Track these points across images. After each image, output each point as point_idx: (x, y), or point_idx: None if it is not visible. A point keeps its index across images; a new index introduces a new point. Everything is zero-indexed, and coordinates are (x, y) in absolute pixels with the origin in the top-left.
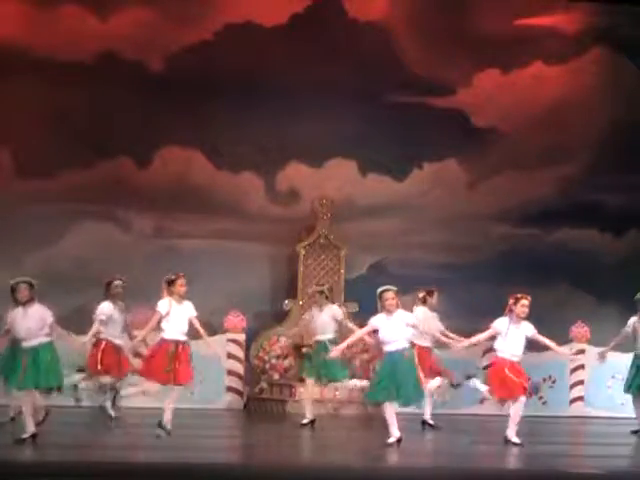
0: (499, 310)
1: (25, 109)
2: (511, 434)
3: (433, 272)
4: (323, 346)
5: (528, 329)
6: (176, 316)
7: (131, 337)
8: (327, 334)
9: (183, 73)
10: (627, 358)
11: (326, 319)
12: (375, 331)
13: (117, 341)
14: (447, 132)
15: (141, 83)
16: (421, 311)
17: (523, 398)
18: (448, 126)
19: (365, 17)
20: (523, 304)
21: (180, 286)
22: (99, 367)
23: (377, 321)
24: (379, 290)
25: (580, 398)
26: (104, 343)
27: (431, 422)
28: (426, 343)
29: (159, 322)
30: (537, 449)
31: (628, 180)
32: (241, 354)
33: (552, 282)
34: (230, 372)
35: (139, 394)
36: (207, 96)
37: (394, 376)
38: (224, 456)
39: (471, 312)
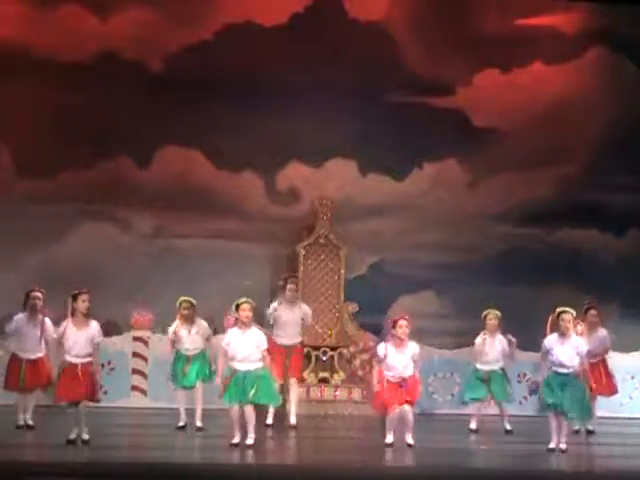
0: (498, 311)
1: (25, 109)
2: None
3: (433, 272)
4: None
5: None
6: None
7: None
8: None
9: (183, 73)
10: (628, 358)
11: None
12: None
13: None
14: (447, 132)
15: (141, 83)
16: None
17: None
18: (448, 126)
19: (365, 17)
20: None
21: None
22: None
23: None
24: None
25: None
26: None
27: None
28: None
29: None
30: (537, 449)
31: (628, 180)
32: None
33: (552, 282)
34: None
35: None
36: (207, 96)
37: None
38: (224, 456)
39: (471, 312)
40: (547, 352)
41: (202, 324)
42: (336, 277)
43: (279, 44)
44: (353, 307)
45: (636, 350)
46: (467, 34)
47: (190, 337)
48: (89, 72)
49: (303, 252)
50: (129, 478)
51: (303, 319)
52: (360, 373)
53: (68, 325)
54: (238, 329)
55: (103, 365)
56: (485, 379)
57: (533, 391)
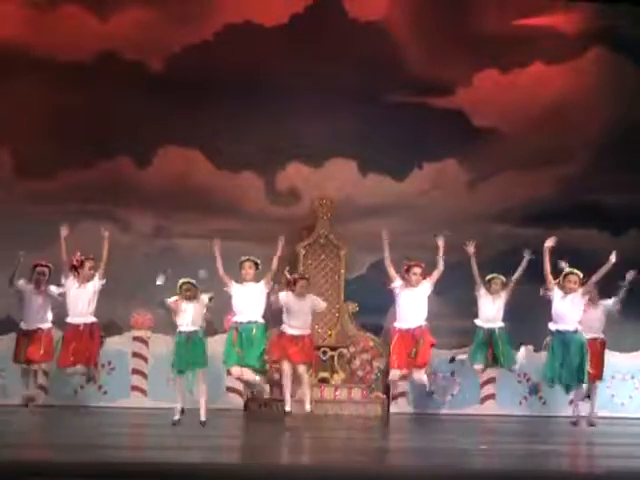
0: None
1: (25, 109)
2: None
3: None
4: None
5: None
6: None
7: None
8: None
9: (183, 73)
10: (628, 358)
11: None
12: None
13: None
14: (447, 132)
15: (141, 83)
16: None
17: None
18: (448, 126)
19: (365, 17)
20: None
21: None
22: None
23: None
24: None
25: None
26: None
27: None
28: None
29: None
30: (537, 449)
31: (628, 180)
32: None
33: None
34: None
35: None
36: (207, 96)
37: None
38: (224, 456)
39: (471, 312)
40: (548, 290)
41: (202, 298)
42: (336, 277)
43: (279, 44)
44: (353, 307)
45: (636, 350)
46: (467, 34)
47: (190, 311)
48: (89, 72)
49: (303, 252)
50: (129, 478)
51: (314, 308)
52: (360, 373)
53: (71, 284)
54: (240, 284)
55: (103, 365)
56: (489, 341)
57: (533, 391)
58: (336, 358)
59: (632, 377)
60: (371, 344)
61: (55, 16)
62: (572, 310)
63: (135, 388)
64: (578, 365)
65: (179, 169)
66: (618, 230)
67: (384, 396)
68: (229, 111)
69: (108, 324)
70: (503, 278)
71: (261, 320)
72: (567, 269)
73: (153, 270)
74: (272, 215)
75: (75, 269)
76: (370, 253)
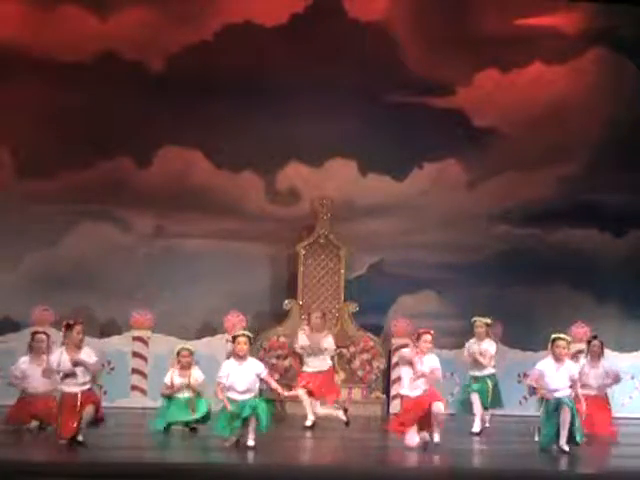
0: (499, 310)
1: (25, 109)
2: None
3: (433, 272)
4: None
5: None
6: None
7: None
8: None
9: (183, 73)
10: (628, 358)
11: None
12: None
13: None
14: (447, 132)
15: (141, 83)
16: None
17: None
18: (448, 126)
19: (365, 17)
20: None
21: (77, 333)
22: None
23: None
24: None
25: None
26: None
27: None
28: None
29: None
30: (537, 449)
31: (628, 180)
32: None
33: (552, 282)
34: None
35: None
36: (207, 96)
37: None
38: (224, 456)
39: (471, 312)
40: (541, 376)
41: (198, 373)
42: (336, 277)
43: (279, 44)
44: (353, 307)
45: (636, 350)
46: (467, 34)
47: (187, 386)
48: (89, 72)
49: (303, 252)
50: (128, 478)
51: (327, 349)
52: (360, 373)
53: (62, 355)
54: (235, 361)
55: (103, 365)
56: (476, 389)
57: (532, 392)
58: (336, 358)
59: (632, 377)
60: (371, 344)
61: (55, 16)
62: (566, 378)
63: (135, 388)
64: (571, 430)
65: (179, 169)
66: (618, 230)
67: (384, 396)
68: (229, 111)
69: (108, 324)
70: (485, 320)
71: (258, 397)
72: (554, 335)
73: (153, 270)
74: (272, 215)
75: (63, 333)
76: (370, 253)
